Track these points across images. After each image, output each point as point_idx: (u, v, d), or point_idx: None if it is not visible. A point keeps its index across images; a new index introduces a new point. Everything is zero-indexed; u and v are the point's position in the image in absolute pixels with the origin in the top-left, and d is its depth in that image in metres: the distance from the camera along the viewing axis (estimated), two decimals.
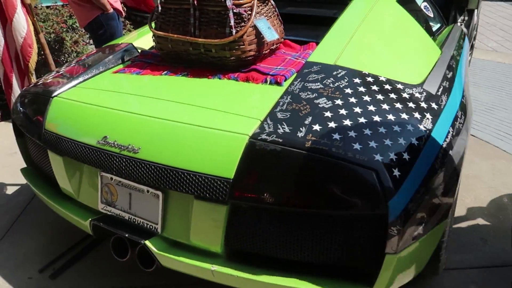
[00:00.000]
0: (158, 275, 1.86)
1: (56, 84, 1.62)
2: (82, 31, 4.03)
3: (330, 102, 1.24)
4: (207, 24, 1.48)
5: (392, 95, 1.29)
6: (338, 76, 1.36)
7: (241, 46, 1.45)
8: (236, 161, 1.13)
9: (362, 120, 1.18)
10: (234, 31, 1.43)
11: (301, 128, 1.15)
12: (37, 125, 1.56)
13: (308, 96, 1.27)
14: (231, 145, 1.15)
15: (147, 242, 1.32)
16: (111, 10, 2.85)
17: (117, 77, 1.64)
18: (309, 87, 1.31)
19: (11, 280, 1.93)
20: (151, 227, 1.36)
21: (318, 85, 1.32)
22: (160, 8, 1.57)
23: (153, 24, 1.70)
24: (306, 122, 1.17)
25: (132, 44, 1.89)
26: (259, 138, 1.14)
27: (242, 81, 1.47)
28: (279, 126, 1.16)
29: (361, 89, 1.30)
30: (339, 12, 1.90)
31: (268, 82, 1.43)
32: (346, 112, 1.21)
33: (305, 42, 1.77)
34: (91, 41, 4.20)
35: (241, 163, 1.13)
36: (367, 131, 1.14)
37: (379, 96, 1.28)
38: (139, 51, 1.90)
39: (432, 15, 2.23)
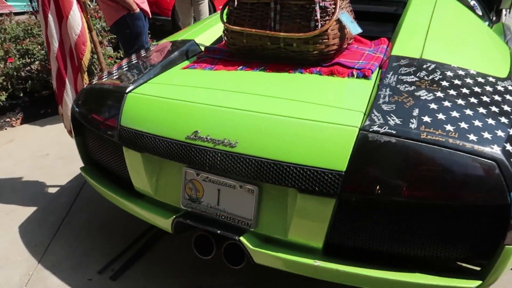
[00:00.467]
0: (224, 273, 1.84)
1: (125, 80, 1.59)
2: (107, 32, 3.99)
3: (431, 94, 1.23)
4: (289, 18, 1.46)
5: (488, 88, 1.29)
6: (429, 69, 1.35)
7: (324, 40, 1.44)
8: (348, 153, 1.12)
9: (468, 111, 1.17)
10: (319, 25, 1.42)
11: (411, 120, 1.14)
12: (110, 122, 1.53)
13: (407, 89, 1.26)
14: (341, 138, 1.14)
15: (242, 238, 1.30)
16: (137, 10, 2.82)
17: (189, 72, 1.61)
18: (404, 80, 1.30)
19: (70, 282, 1.88)
20: (243, 223, 1.33)
21: (413, 78, 1.31)
22: (236, 3, 1.55)
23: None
24: (414, 113, 1.16)
25: (194, 40, 1.87)
26: (370, 130, 1.12)
27: (326, 75, 1.46)
28: (389, 118, 1.14)
29: (456, 82, 1.30)
30: (399, 9, 1.90)
31: (355, 76, 1.41)
32: (450, 104, 1.20)
33: (372, 38, 1.76)
34: (111, 44, 4.17)
35: (354, 156, 1.11)
36: (477, 123, 1.13)
37: (477, 89, 1.27)
38: (202, 47, 1.87)
39: (480, 13, 2.24)
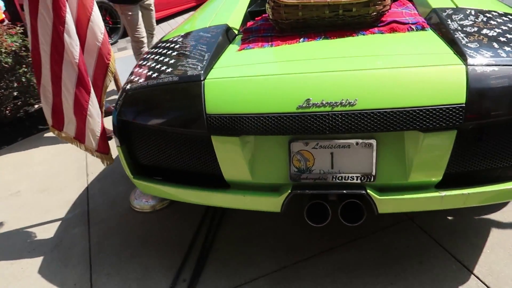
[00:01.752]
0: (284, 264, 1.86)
1: (187, 70, 1.51)
2: None
3: (492, 31, 1.45)
4: None
5: None
6: (473, 13, 1.57)
7: (381, 1, 1.57)
8: (464, 87, 1.26)
9: None
10: None
11: (498, 52, 1.33)
12: (191, 114, 1.45)
13: (473, 30, 1.45)
14: (454, 76, 1.27)
15: (369, 191, 1.37)
16: None
17: (251, 52, 1.60)
18: (465, 24, 1.50)
19: None
20: (363, 178, 1.40)
21: (469, 22, 1.51)
22: None
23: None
24: (496, 46, 1.35)
25: (227, 24, 1.83)
26: (475, 64, 1.28)
27: (387, 33, 1.58)
28: (482, 53, 1.32)
29: (500, 19, 1.54)
30: None
31: (415, 29, 1.57)
32: (507, 36, 1.43)
33: None
34: None
35: (470, 88, 1.26)
36: None
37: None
38: (235, 30, 1.85)
39: None
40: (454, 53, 1.35)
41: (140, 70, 1.69)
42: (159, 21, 6.69)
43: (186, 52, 1.66)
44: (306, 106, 1.33)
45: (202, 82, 1.45)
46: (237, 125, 1.39)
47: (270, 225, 2.04)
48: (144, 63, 1.74)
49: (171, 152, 1.60)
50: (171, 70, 1.56)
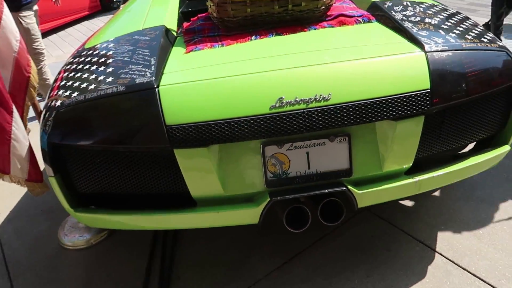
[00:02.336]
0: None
1: (133, 77, 1.31)
2: None
3: (433, 20, 1.53)
4: None
5: (446, 11, 1.68)
6: (409, 5, 1.65)
7: None
8: (427, 73, 1.29)
9: (459, 23, 1.53)
10: None
11: (448, 37, 1.40)
12: (148, 128, 1.25)
13: (417, 19, 1.52)
14: (416, 63, 1.30)
15: (350, 187, 1.33)
16: None
17: (200, 54, 1.45)
18: (408, 14, 1.55)
19: None
20: (340, 174, 1.35)
21: (410, 12, 1.58)
22: None
23: None
24: (443, 33, 1.43)
25: (164, 25, 1.64)
26: (432, 50, 1.33)
27: (337, 26, 1.57)
28: (434, 39, 1.37)
29: (433, 9, 1.64)
30: None
31: (362, 22, 1.59)
32: (449, 22, 1.53)
33: None
34: None
35: (432, 74, 1.29)
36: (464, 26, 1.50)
37: (445, 12, 1.65)
38: (173, 32, 1.68)
39: None
40: (409, 41, 1.39)
41: (69, 83, 1.42)
42: (46, 33, 6.00)
43: (125, 58, 1.44)
44: (279, 105, 1.24)
45: (156, 90, 1.27)
46: (205, 134, 1.24)
47: (231, 238, 1.90)
48: (71, 74, 1.47)
49: (123, 174, 1.37)
50: (112, 80, 1.33)
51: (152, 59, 1.40)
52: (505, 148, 1.53)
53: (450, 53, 1.34)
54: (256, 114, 1.23)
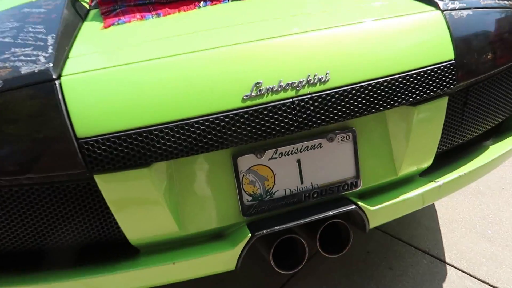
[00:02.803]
0: None
1: (19, 65, 0.81)
2: None
3: None
4: None
5: None
6: None
7: None
8: (449, 39, 0.94)
9: None
10: None
11: None
12: (46, 145, 0.76)
13: None
14: (433, 27, 0.94)
15: (360, 203, 0.94)
16: None
17: (128, 28, 0.98)
18: None
19: None
20: (345, 187, 0.96)
21: None
22: None
23: None
24: None
25: None
26: (449, 8, 0.98)
27: None
28: None
29: None
30: None
31: None
32: None
33: None
34: None
35: (455, 40, 0.94)
36: None
37: None
38: (90, 3, 1.18)
39: None
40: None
41: None
42: None
43: (6, 39, 0.93)
44: (256, 95, 0.81)
45: (57, 83, 0.78)
46: (142, 147, 0.78)
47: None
48: None
49: (14, 221, 0.86)
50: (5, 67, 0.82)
51: (48, 37, 0.90)
52: None
53: (470, 12, 1.00)
54: (222, 110, 0.80)
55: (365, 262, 1.45)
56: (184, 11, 1.05)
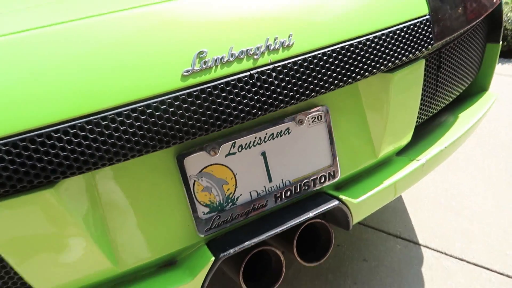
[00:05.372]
0: None
1: None
2: None
3: None
4: None
5: None
6: None
7: None
8: None
9: None
10: None
11: None
12: None
13: None
14: None
15: (342, 197, 0.76)
16: None
17: None
18: None
19: None
20: (322, 178, 0.77)
21: None
22: None
23: None
24: None
25: None
26: None
27: None
28: None
29: None
30: None
31: None
32: None
33: None
34: None
35: None
36: None
37: None
38: None
39: None
40: None
41: None
42: None
43: None
44: (201, 68, 0.59)
45: None
46: (43, 158, 0.52)
47: None
48: None
49: None
50: None
51: None
52: (491, 96, 1.15)
53: None
54: (155, 94, 0.57)
55: (336, 257, 1.30)
56: None
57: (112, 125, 0.54)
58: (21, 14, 0.59)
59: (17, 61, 0.52)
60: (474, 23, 0.92)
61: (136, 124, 0.55)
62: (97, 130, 0.53)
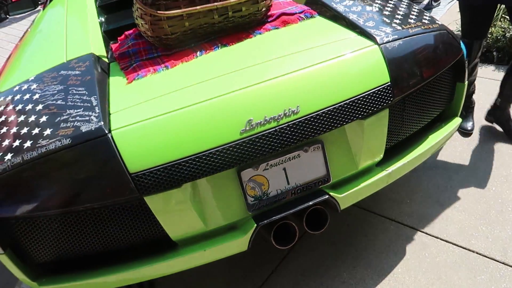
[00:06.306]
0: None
1: (78, 125, 1.14)
2: None
3: (372, 7, 1.52)
4: None
5: None
6: None
7: None
8: (385, 66, 1.29)
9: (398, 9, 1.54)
10: None
11: (393, 25, 1.40)
12: (109, 180, 1.10)
13: (358, 9, 1.50)
14: (372, 58, 1.28)
15: (331, 193, 1.30)
16: None
17: (146, 81, 1.30)
18: (347, 5, 1.52)
19: None
20: (319, 182, 1.32)
21: (349, 2, 1.55)
22: None
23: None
24: (388, 21, 1.43)
25: (92, 53, 1.44)
26: (384, 42, 1.32)
27: (282, 27, 1.50)
28: (382, 30, 1.36)
29: None
30: None
31: (305, 18, 1.53)
32: (391, 8, 1.53)
33: None
34: None
35: (389, 66, 1.29)
36: (411, 14, 1.52)
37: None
38: (104, 58, 1.48)
39: None
40: (360, 35, 1.37)
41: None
42: None
43: (58, 102, 1.25)
44: (249, 128, 1.16)
45: (109, 136, 1.11)
46: (175, 174, 1.12)
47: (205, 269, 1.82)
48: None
49: (87, 234, 1.21)
50: (51, 132, 1.14)
51: (92, 98, 1.22)
52: (458, 120, 1.60)
53: (400, 41, 1.35)
54: (227, 142, 1.14)
55: (345, 233, 1.83)
56: (186, 61, 1.37)
57: (213, 155, 1.12)
58: (160, 100, 1.19)
59: (169, 127, 1.12)
60: (428, 80, 1.39)
61: (221, 155, 1.13)
62: (201, 160, 1.12)
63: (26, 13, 3.23)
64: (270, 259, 1.77)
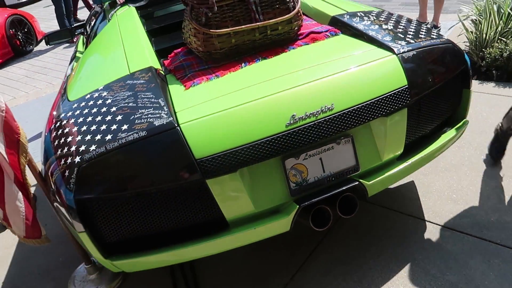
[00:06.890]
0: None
1: (151, 121, 1.37)
2: None
3: (387, 25, 1.79)
4: (268, 6, 1.65)
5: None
6: (363, 15, 1.90)
7: (300, 16, 1.73)
8: (402, 72, 1.53)
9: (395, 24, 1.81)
10: (294, 4, 1.70)
11: (407, 39, 1.66)
12: (179, 165, 1.32)
13: (376, 27, 1.76)
14: (392, 66, 1.53)
15: (362, 180, 1.51)
16: None
17: (200, 87, 1.54)
18: (366, 24, 1.79)
19: None
20: (350, 171, 1.53)
21: (367, 21, 1.82)
22: (215, 8, 1.58)
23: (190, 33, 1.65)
24: (402, 36, 1.69)
25: (152, 66, 1.70)
26: (401, 52, 1.57)
27: (311, 43, 1.76)
28: (399, 43, 1.62)
29: (382, 17, 1.91)
30: None
31: (330, 36, 1.80)
32: (394, 22, 1.80)
33: None
34: None
35: (406, 72, 1.53)
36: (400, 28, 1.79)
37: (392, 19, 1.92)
38: (161, 69, 1.74)
39: None
40: (380, 47, 1.62)
41: (77, 138, 1.43)
42: None
43: (130, 104, 1.49)
44: (293, 122, 1.39)
45: (178, 128, 1.34)
46: (233, 160, 1.34)
47: (242, 255, 2.00)
48: (74, 129, 1.47)
49: (156, 214, 1.42)
50: (128, 127, 1.38)
51: (159, 100, 1.46)
52: (466, 122, 1.83)
53: (414, 52, 1.60)
54: (275, 133, 1.37)
55: (368, 228, 2.02)
56: (233, 71, 1.62)
57: (263, 144, 1.35)
58: (217, 100, 1.42)
59: (227, 121, 1.35)
60: (439, 84, 1.62)
61: (270, 144, 1.35)
62: (254, 148, 1.34)
63: (62, 43, 3.56)
64: (301, 250, 1.95)
